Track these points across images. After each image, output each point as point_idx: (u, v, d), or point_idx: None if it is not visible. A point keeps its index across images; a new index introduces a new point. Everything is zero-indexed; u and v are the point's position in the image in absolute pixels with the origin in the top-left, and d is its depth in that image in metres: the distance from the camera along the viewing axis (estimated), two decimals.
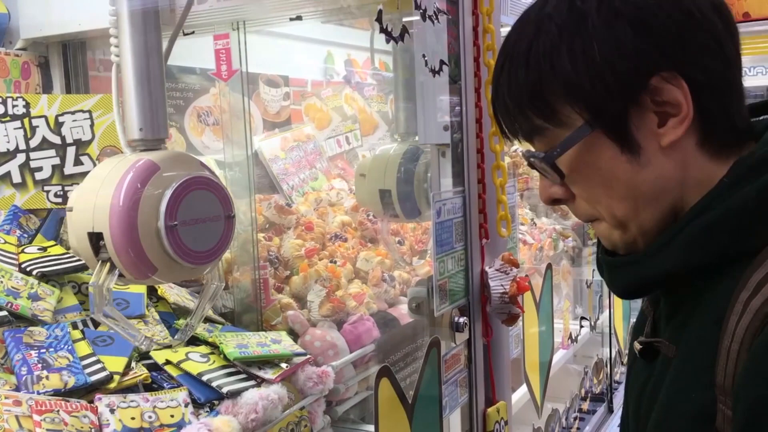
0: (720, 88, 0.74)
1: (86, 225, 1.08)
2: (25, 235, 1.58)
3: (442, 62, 1.25)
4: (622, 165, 0.75)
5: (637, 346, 0.83)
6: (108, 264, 1.09)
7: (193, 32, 1.63)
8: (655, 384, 0.78)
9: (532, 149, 0.81)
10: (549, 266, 1.97)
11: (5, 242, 1.49)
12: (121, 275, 1.10)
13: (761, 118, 0.81)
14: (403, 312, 1.91)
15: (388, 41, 1.06)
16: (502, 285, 1.43)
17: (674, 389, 0.74)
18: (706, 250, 0.72)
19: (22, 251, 1.50)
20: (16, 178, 1.63)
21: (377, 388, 1.16)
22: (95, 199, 1.07)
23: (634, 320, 0.94)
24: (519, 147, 2.36)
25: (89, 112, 1.71)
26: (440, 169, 1.39)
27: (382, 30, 1.07)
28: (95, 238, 1.08)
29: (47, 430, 1.11)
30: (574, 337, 2.62)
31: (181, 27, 1.21)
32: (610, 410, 2.88)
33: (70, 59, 1.81)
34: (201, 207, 1.12)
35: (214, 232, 1.15)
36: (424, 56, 1.21)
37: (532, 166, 0.83)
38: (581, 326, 2.75)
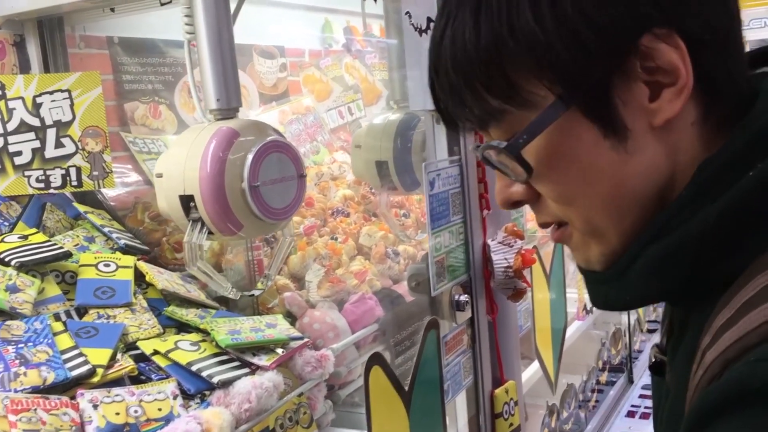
0: (725, 48, 0.58)
1: (177, 189, 1.20)
2: (6, 223, 1.51)
3: (429, 20, 1.15)
4: (606, 154, 0.59)
5: (651, 356, 0.72)
6: (198, 223, 1.21)
7: (170, 1, 1.53)
8: (665, 405, 0.66)
9: (490, 140, 0.64)
10: None
11: None
12: (210, 233, 1.22)
13: (758, 71, 0.64)
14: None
15: (363, 1, 0.97)
16: (505, 258, 1.34)
17: (667, 423, 0.63)
18: (665, 282, 0.58)
19: (2, 241, 1.43)
20: None
21: (367, 378, 1.08)
22: (184, 165, 1.18)
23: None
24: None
25: (68, 91, 1.63)
26: (435, 137, 1.29)
27: None
28: (186, 201, 1.20)
29: (24, 430, 1.05)
30: (589, 308, 2.53)
31: (242, 2, 1.35)
32: (630, 381, 2.80)
33: (47, 37, 1.72)
34: (277, 168, 1.23)
35: (289, 190, 1.26)
36: (408, 14, 1.12)
37: (487, 161, 0.65)
38: None
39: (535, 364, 1.94)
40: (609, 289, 0.63)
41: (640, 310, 2.91)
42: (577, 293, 2.45)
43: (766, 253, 0.53)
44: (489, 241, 1.38)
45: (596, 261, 0.65)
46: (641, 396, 2.68)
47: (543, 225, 0.67)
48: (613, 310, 0.67)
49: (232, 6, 1.35)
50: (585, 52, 0.56)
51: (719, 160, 0.57)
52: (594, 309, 2.55)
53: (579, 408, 2.27)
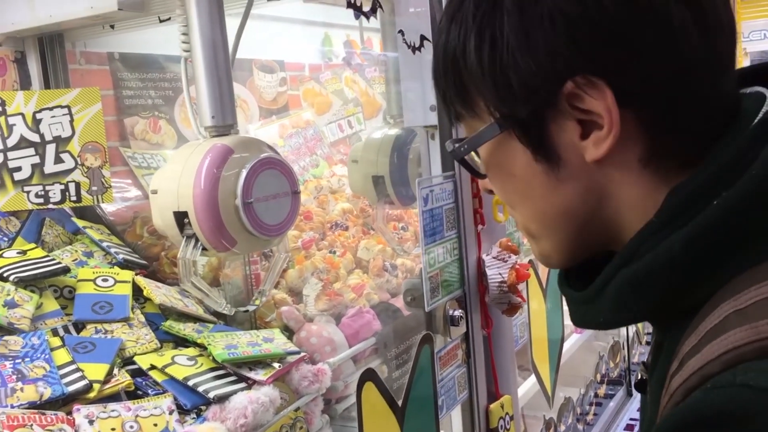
0: (673, 98, 0.58)
1: (171, 205, 1.20)
2: (5, 239, 1.52)
3: (423, 38, 1.16)
4: (538, 176, 0.63)
5: (638, 374, 0.72)
6: (192, 239, 1.22)
7: (169, 18, 1.55)
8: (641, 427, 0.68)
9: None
10: None
11: None
12: (203, 249, 1.23)
13: (748, 91, 0.64)
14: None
15: (357, 17, 0.98)
16: (500, 273, 1.35)
17: None
18: (636, 306, 0.59)
19: (0, 256, 1.44)
20: None
21: (360, 394, 1.09)
22: (178, 182, 1.19)
23: None
24: None
25: (68, 107, 1.64)
26: (430, 153, 1.30)
27: (350, 5, 0.99)
28: (180, 217, 1.21)
29: None
30: None
31: (246, 18, 1.37)
32: (629, 394, 2.79)
33: (47, 53, 1.74)
34: (271, 184, 1.24)
35: (283, 207, 1.27)
36: (401, 32, 1.13)
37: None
38: None
39: (533, 378, 1.94)
40: (586, 310, 0.64)
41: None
42: None
43: (731, 282, 0.54)
44: (484, 256, 1.39)
45: (538, 257, 0.71)
46: (639, 409, 2.67)
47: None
48: (592, 329, 0.68)
49: (236, 23, 1.37)
50: (509, 92, 0.61)
51: (687, 189, 0.58)
52: None
53: (577, 421, 2.27)
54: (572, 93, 0.59)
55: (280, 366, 1.38)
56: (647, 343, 2.99)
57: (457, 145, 0.67)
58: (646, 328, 3.02)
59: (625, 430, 2.54)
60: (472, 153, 0.68)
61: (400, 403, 1.17)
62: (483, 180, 0.72)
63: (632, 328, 2.83)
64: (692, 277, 0.56)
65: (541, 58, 0.59)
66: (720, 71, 0.60)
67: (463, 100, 0.65)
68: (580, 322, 0.67)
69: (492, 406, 1.42)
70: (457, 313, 1.32)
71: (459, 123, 0.70)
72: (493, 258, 1.37)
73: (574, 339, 2.38)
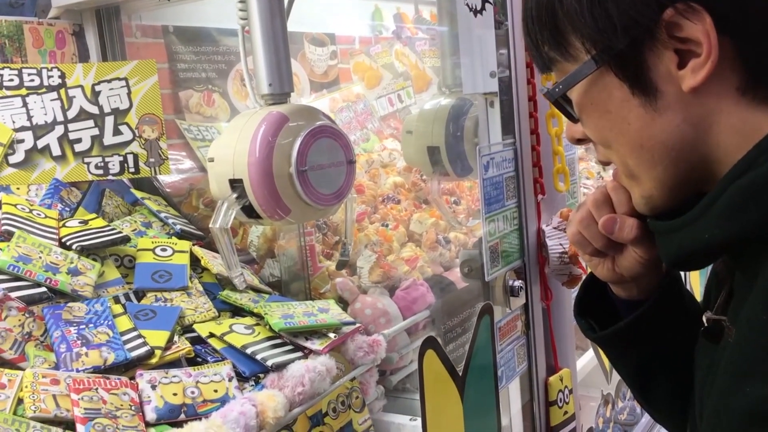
0: (765, 21, 0.60)
1: (227, 173, 1.20)
2: (67, 209, 1.55)
3: (484, 0, 1.13)
4: (634, 109, 0.65)
5: (704, 321, 0.71)
6: (241, 200, 1.22)
7: None
8: (715, 372, 0.65)
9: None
10: None
11: (46, 216, 1.47)
12: (257, 216, 1.22)
13: None
14: (459, 275, 1.81)
15: None
16: (560, 244, 1.31)
17: (727, 380, 0.61)
18: (751, 217, 0.59)
19: (63, 225, 1.47)
20: (56, 150, 1.60)
21: (422, 361, 1.08)
22: (234, 149, 1.19)
23: (707, 279, 0.81)
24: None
25: (125, 79, 1.66)
26: (489, 120, 1.27)
27: None
28: (236, 185, 1.21)
29: (85, 409, 1.08)
30: None
31: None
32: None
33: (104, 26, 1.76)
34: (326, 153, 1.23)
35: (338, 176, 1.25)
36: None
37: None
38: None
39: (589, 353, 1.91)
40: (686, 233, 0.64)
41: (699, 296, 2.82)
42: None
43: None
44: (544, 227, 1.36)
45: (638, 203, 0.71)
46: None
47: (601, 162, 0.74)
48: (684, 260, 0.66)
49: None
50: (611, 24, 0.62)
51: None
52: None
53: (634, 398, 2.22)
54: (671, 21, 0.60)
55: (335, 336, 1.38)
56: None
57: (551, 86, 0.69)
58: None
59: None
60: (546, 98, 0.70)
61: (460, 372, 1.16)
62: (573, 128, 0.73)
63: None
64: None
65: None
66: None
67: (558, 42, 0.67)
68: (676, 251, 0.66)
69: (551, 378, 1.40)
70: (517, 283, 1.30)
71: (550, 70, 0.71)
72: (554, 228, 1.33)
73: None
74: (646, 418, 2.33)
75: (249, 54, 1.28)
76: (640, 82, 0.63)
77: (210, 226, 1.20)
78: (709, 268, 0.78)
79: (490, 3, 1.16)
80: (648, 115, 0.64)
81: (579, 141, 0.74)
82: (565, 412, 1.47)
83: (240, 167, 1.18)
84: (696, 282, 2.83)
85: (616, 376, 2.02)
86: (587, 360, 1.93)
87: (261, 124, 1.18)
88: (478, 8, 1.13)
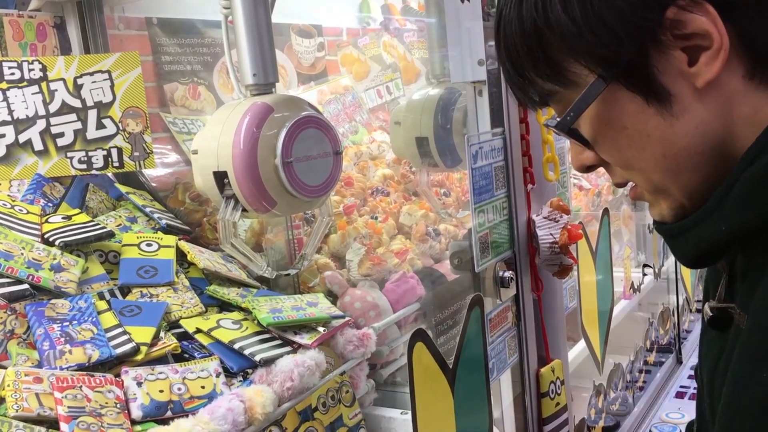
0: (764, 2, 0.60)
1: (211, 165, 1.19)
2: (50, 204, 1.53)
3: None
4: (651, 119, 0.63)
5: (707, 312, 0.70)
6: (232, 200, 1.21)
7: None
8: (728, 360, 0.65)
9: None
10: (605, 211, 1.82)
11: (28, 212, 1.44)
12: (244, 210, 1.21)
13: None
14: (450, 267, 1.80)
15: None
16: (551, 234, 1.30)
17: (742, 368, 0.61)
18: (763, 202, 0.59)
19: (46, 221, 1.44)
20: (38, 145, 1.57)
21: (411, 354, 1.06)
22: (218, 141, 1.17)
23: (706, 273, 0.80)
24: None
25: (108, 72, 1.63)
26: (477, 110, 1.25)
27: None
28: (220, 177, 1.19)
29: (69, 407, 1.06)
30: (636, 286, 2.46)
31: None
32: (679, 361, 2.72)
33: (86, 18, 1.73)
34: (312, 144, 1.21)
35: (324, 167, 1.24)
36: None
37: (559, 133, 0.71)
38: (644, 274, 2.58)
39: (581, 344, 1.90)
40: (701, 231, 0.64)
41: (690, 289, 2.83)
42: (623, 272, 2.39)
43: None
44: (534, 216, 1.34)
45: (668, 215, 0.69)
46: (690, 377, 2.60)
47: (618, 185, 0.73)
48: (702, 257, 0.66)
49: None
50: (612, 35, 0.60)
51: None
52: (641, 288, 2.49)
53: (626, 389, 2.22)
54: (675, 19, 0.59)
55: (324, 330, 1.37)
56: (697, 310, 2.92)
57: (559, 118, 0.67)
58: (696, 295, 2.94)
59: (675, 397, 2.49)
60: (557, 130, 0.67)
61: (450, 365, 1.14)
62: (582, 155, 0.70)
63: (682, 294, 2.76)
64: None
65: None
66: None
67: (555, 72, 0.65)
68: (694, 246, 0.65)
69: (543, 370, 1.39)
70: (508, 274, 1.29)
71: (547, 104, 0.69)
72: (544, 218, 1.32)
73: (623, 305, 2.33)
74: (638, 408, 2.33)
75: (233, 44, 1.26)
76: (652, 89, 0.62)
77: (222, 247, 1.22)
78: None
79: None
80: (666, 122, 0.63)
81: (589, 168, 0.72)
82: (557, 404, 1.46)
83: (224, 159, 1.16)
84: (687, 272, 2.83)
85: (607, 367, 2.01)
86: (579, 351, 1.92)
87: (245, 114, 1.16)
88: None
